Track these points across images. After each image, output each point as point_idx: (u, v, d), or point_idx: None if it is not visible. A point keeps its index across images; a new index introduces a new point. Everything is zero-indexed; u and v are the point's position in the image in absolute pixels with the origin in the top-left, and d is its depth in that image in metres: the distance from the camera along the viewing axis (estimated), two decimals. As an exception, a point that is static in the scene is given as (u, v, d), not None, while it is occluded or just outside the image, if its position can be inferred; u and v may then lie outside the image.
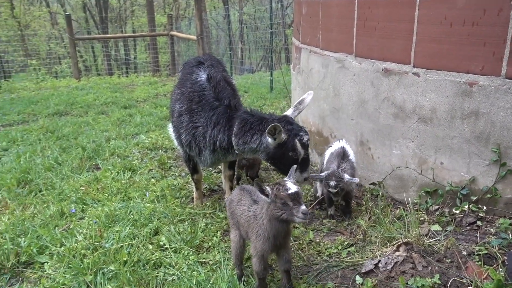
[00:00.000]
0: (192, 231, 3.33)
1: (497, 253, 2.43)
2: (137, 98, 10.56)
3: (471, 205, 3.20)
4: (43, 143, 7.06)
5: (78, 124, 8.05)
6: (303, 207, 2.12)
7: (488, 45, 2.96)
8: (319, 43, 4.67)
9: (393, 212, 3.42)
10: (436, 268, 2.43)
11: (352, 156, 3.50)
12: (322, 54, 4.60)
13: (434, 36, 3.25)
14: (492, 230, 2.88)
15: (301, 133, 2.98)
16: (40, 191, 4.72)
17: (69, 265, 2.93)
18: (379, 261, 2.57)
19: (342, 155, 3.41)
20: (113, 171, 5.10)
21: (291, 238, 3.01)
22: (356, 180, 3.25)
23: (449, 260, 2.49)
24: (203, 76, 3.50)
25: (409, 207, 3.05)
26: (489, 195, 3.13)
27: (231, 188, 3.71)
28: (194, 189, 3.95)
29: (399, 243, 2.65)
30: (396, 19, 3.53)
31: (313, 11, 4.82)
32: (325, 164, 3.55)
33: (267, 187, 2.24)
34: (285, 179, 2.36)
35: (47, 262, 3.06)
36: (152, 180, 4.71)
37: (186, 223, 3.58)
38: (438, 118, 3.33)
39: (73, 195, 4.46)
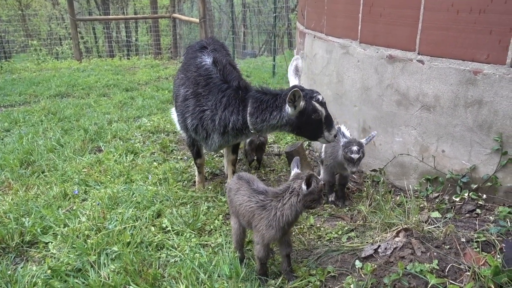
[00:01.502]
0: (194, 214, 3.37)
1: (495, 240, 2.47)
2: (138, 80, 10.53)
3: (471, 193, 3.23)
4: (45, 124, 7.06)
5: (79, 106, 8.05)
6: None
7: (494, 33, 2.94)
8: (324, 29, 4.65)
9: (393, 199, 3.45)
10: (435, 254, 2.46)
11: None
12: (326, 39, 4.58)
13: (440, 24, 3.23)
14: (491, 218, 2.91)
15: (315, 94, 3.01)
16: (43, 172, 4.75)
17: (73, 246, 2.97)
18: (379, 246, 2.60)
19: (344, 134, 3.42)
20: (115, 153, 5.12)
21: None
22: (375, 133, 3.30)
23: (448, 247, 2.53)
24: (207, 60, 3.49)
25: (410, 194, 3.07)
26: (489, 184, 3.15)
27: (234, 172, 3.74)
28: (196, 173, 3.97)
29: (399, 229, 2.69)
30: (402, 5, 3.51)
31: (318, -5, 4.78)
32: (323, 151, 3.54)
33: (310, 180, 2.28)
34: (298, 171, 2.42)
35: (51, 242, 3.10)
36: (154, 163, 4.73)
37: (188, 206, 3.61)
38: (441, 106, 3.34)
39: (76, 176, 4.49)
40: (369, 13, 3.86)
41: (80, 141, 5.86)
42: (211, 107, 3.26)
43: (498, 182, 3.12)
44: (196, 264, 2.65)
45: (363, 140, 3.23)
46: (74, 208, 3.71)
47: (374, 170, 4.01)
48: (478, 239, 2.52)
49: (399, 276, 2.22)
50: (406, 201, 3.00)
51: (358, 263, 2.52)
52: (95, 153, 5.36)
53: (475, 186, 3.24)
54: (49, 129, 6.71)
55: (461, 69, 3.15)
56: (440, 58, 3.28)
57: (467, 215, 3.09)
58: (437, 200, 3.36)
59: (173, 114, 3.96)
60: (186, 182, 4.20)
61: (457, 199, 3.21)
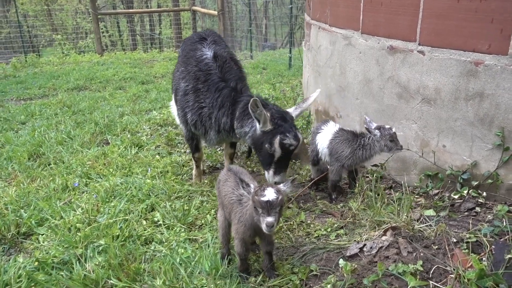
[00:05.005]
0: (186, 208, 3.34)
1: (487, 242, 2.33)
2: (155, 73, 10.61)
3: (471, 190, 3.08)
4: (59, 117, 7.20)
5: (95, 99, 8.16)
6: (269, 219, 2.03)
7: (496, 22, 2.78)
8: (328, 19, 4.52)
9: (391, 195, 3.33)
10: (422, 254, 2.35)
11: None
12: (330, 30, 4.45)
13: (440, 12, 3.08)
14: (490, 217, 2.77)
15: (287, 134, 2.92)
16: (49, 164, 4.83)
17: (62, 238, 2.99)
18: (364, 245, 2.50)
19: (353, 133, 3.30)
20: (120, 146, 5.16)
21: (281, 219, 2.98)
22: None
23: (436, 247, 2.41)
24: (208, 53, 3.44)
25: (405, 190, 2.95)
26: (490, 181, 3.00)
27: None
28: (194, 167, 3.95)
29: (387, 227, 2.58)
30: (403, -7, 3.36)
31: (323, -15, 4.65)
32: (323, 154, 3.40)
33: (251, 186, 2.20)
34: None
35: (42, 234, 3.13)
36: (157, 156, 4.74)
37: (183, 200, 3.60)
38: (442, 99, 3.19)
39: (79, 169, 4.54)
40: (370, 2, 3.72)
41: (89, 134, 5.94)
42: (208, 104, 3.26)
43: (500, 179, 2.96)
44: (178, 260, 2.62)
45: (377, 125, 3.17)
46: (72, 200, 3.75)
47: (375, 165, 3.88)
48: (469, 240, 2.39)
49: (378, 277, 2.13)
50: (401, 198, 2.88)
51: (342, 262, 2.42)
52: (102, 146, 5.41)
53: (476, 183, 3.08)
54: (62, 122, 6.83)
55: (462, 60, 3.00)
56: (441, 49, 3.13)
57: (466, 213, 2.95)
58: (436, 197, 3.23)
59: (172, 107, 3.94)
60: (185, 175, 4.19)
61: (456, 197, 3.07)
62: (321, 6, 4.72)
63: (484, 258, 2.21)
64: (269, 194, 2.07)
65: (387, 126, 3.09)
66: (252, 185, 2.24)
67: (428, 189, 3.33)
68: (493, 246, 2.23)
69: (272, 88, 7.40)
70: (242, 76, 3.43)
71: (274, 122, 2.94)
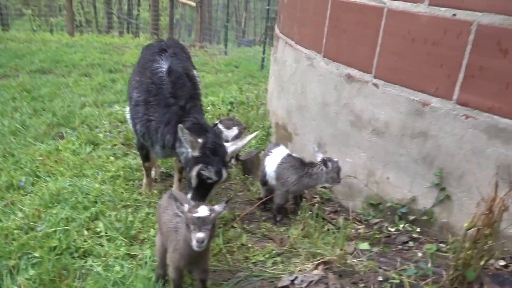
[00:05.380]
0: (131, 220, 3.32)
1: (409, 284, 2.43)
2: (125, 62, 10.38)
3: (407, 224, 3.20)
4: (17, 102, 6.98)
5: (57, 85, 7.94)
6: (199, 234, 2.04)
7: (445, 67, 2.87)
8: (294, 36, 4.55)
9: (334, 220, 3.41)
10: (349, 292, 2.43)
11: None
12: (295, 48, 4.48)
13: (396, 49, 3.15)
14: (420, 254, 2.88)
15: (209, 167, 2.93)
16: (-3, 158, 4.69)
17: (-4, 246, 2.92)
18: (296, 277, 2.56)
19: (301, 161, 3.35)
20: (75, 142, 5.05)
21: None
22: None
23: (363, 285, 2.49)
24: (164, 66, 3.41)
25: (340, 223, 3.03)
26: (425, 217, 3.11)
27: (180, 180, 3.68)
28: (144, 175, 3.92)
29: (319, 261, 2.65)
30: (364, 24, 3.41)
31: (293, 1, 4.66)
32: (271, 177, 3.43)
33: (184, 205, 2.20)
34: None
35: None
36: (111, 157, 4.66)
37: (130, 209, 3.56)
38: (390, 133, 3.27)
39: (29, 165, 4.42)
40: (334, 27, 3.77)
41: (45, 124, 5.78)
42: (157, 118, 3.25)
43: (434, 217, 3.09)
44: (113, 280, 2.61)
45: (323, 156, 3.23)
46: (14, 201, 3.66)
47: (324, 187, 3.96)
48: (393, 281, 2.48)
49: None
50: (338, 228, 2.96)
51: (272, 294, 2.48)
52: (56, 140, 5.28)
53: (413, 217, 3.20)
54: (19, 108, 6.62)
55: (411, 99, 3.08)
56: (393, 85, 3.21)
57: (400, 246, 3.06)
58: (376, 226, 3.33)
59: (127, 114, 3.88)
60: (136, 181, 4.14)
61: (393, 230, 3.18)
62: (290, 22, 4.74)
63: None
64: (202, 211, 2.11)
65: (335, 159, 3.16)
66: (186, 205, 2.23)
67: (369, 218, 3.43)
68: (413, 291, 2.33)
69: (239, 91, 7.39)
70: (194, 93, 3.41)
71: (203, 151, 2.95)
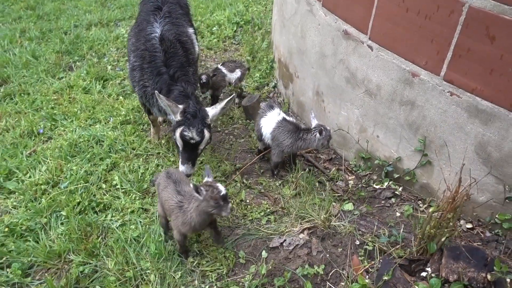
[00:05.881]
0: (142, 172, 3.71)
1: (379, 250, 2.84)
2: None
3: (391, 182, 3.53)
4: (23, 23, 7.02)
5: (61, 0, 7.82)
6: (229, 205, 2.59)
7: (435, 43, 2.91)
8: (296, -27, 4.39)
9: (328, 170, 3.76)
10: (327, 256, 2.86)
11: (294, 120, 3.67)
12: (297, -14, 4.36)
13: (390, 16, 3.14)
14: (398, 214, 3.26)
15: (190, 128, 3.11)
16: (14, 96, 4.97)
17: (28, 204, 3.38)
18: (285, 240, 3.00)
19: (295, 125, 3.56)
20: (86, 78, 5.26)
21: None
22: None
23: (341, 249, 2.92)
24: (157, 31, 3.49)
25: (332, 174, 3.35)
26: (408, 177, 3.42)
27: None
28: (151, 125, 4.20)
29: (304, 227, 3.05)
30: (362, -18, 3.34)
31: None
32: (267, 138, 3.65)
33: (201, 188, 2.55)
34: (209, 180, 2.67)
35: (9, 199, 3.50)
36: (121, 97, 4.90)
37: (141, 159, 3.94)
38: (381, 96, 3.42)
39: (45, 106, 4.73)
40: (333, -23, 3.66)
41: (55, 53, 5.93)
42: (150, 85, 3.42)
43: (415, 178, 3.39)
44: (129, 238, 3.08)
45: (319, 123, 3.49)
46: (37, 150, 4.05)
47: (316, 150, 4.21)
48: (367, 247, 2.89)
49: (285, 282, 2.66)
50: (331, 179, 3.29)
51: (264, 254, 2.94)
52: (67, 72, 5.49)
53: (397, 176, 3.51)
54: (27, 30, 6.69)
55: (402, 68, 3.17)
56: (386, 50, 3.26)
57: (383, 202, 3.43)
58: (365, 178, 3.66)
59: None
60: (146, 125, 4.45)
61: (377, 187, 3.52)
62: (291, -45, 4.52)
63: (374, 268, 2.74)
64: (222, 188, 2.59)
65: (328, 128, 3.39)
66: (203, 189, 2.59)
67: (359, 171, 3.75)
68: (381, 260, 2.74)
69: (245, 10, 7.20)
70: (185, 60, 3.49)
71: (184, 115, 3.16)
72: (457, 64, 2.84)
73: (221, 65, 4.64)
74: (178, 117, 3.18)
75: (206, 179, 2.73)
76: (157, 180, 3.00)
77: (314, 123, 3.47)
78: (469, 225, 3.07)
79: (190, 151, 3.23)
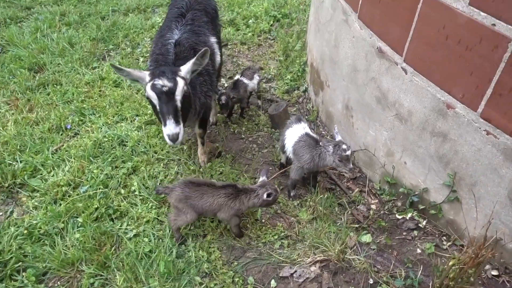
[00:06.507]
0: (160, 180, 3.70)
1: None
2: None
3: (415, 213, 3.35)
4: (65, 5, 7.10)
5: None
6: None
7: (474, 76, 2.67)
8: (334, -23, 4.15)
9: (350, 191, 3.61)
10: (338, 293, 2.77)
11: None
12: (334, -9, 4.13)
13: (428, 41, 2.91)
14: (418, 251, 3.09)
15: (157, 78, 2.88)
16: (47, 85, 5.06)
17: (48, 206, 3.44)
18: (295, 271, 2.91)
19: (316, 140, 3.39)
20: (117, 70, 5.26)
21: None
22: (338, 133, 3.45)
23: (352, 287, 2.81)
24: (175, 37, 3.41)
25: (354, 196, 3.21)
26: (433, 211, 3.23)
27: (203, 144, 3.89)
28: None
29: (316, 259, 2.94)
30: (399, 1, 3.10)
31: None
32: (289, 151, 3.54)
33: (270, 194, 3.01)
34: (265, 180, 3.16)
35: (32, 198, 3.58)
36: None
37: (162, 164, 3.92)
38: (412, 123, 3.21)
39: (75, 98, 4.79)
40: (372, -11, 3.42)
41: (90, 40, 5.97)
42: None
43: (442, 213, 3.20)
44: (140, 253, 3.09)
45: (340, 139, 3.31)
46: (63, 147, 4.11)
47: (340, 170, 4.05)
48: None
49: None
50: (352, 201, 3.15)
51: (273, 283, 2.87)
52: (100, 62, 5.52)
53: (423, 207, 3.32)
54: (66, 14, 6.76)
55: (437, 97, 2.95)
56: (421, 76, 3.04)
57: (404, 233, 3.27)
58: (388, 204, 3.50)
59: None
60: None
61: (400, 217, 3.35)
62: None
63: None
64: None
65: (344, 146, 3.16)
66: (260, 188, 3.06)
67: (383, 195, 3.59)
68: (394, 307, 2.62)
69: (283, 1, 6.95)
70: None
71: (151, 73, 2.97)
72: (497, 102, 2.60)
73: (241, 76, 4.50)
74: (148, 78, 2.96)
75: (261, 178, 3.11)
76: (178, 195, 2.99)
77: (337, 138, 3.31)
78: (494, 272, 2.88)
79: (167, 104, 2.88)
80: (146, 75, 3.01)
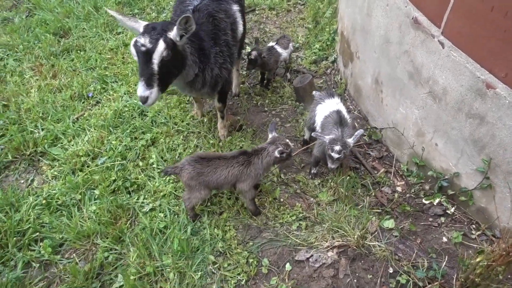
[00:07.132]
0: (180, 152, 3.62)
1: (417, 284, 2.56)
2: None
3: (444, 198, 3.14)
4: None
5: None
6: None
7: (521, 54, 2.39)
8: None
9: (375, 172, 3.43)
10: (355, 281, 2.63)
11: (349, 120, 3.25)
12: (369, -47, 3.79)
13: (470, 12, 2.61)
14: (444, 239, 2.91)
15: (141, 35, 2.74)
16: (71, 51, 5.01)
17: (66, 177, 3.43)
18: (312, 255, 2.79)
19: (340, 122, 3.17)
20: (141, 37, 5.13)
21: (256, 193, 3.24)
22: (361, 131, 3.06)
23: (371, 276, 2.67)
24: (194, 3, 3.24)
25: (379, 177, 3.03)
26: (463, 198, 3.02)
27: (222, 118, 3.75)
28: (193, 101, 4.04)
29: (334, 244, 2.80)
30: (442, -37, 2.78)
31: None
32: (318, 126, 3.34)
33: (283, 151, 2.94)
34: (275, 135, 3.09)
35: (52, 167, 3.58)
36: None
37: (181, 137, 3.83)
38: (446, 102, 2.96)
39: (98, 65, 4.72)
40: (410, -49, 3.09)
41: (116, 4, 5.85)
42: None
43: (472, 200, 2.98)
44: (154, 230, 3.04)
45: (350, 140, 3.02)
46: (84, 116, 4.07)
47: (375, 128, 3.83)
48: (400, 278, 2.61)
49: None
50: (376, 183, 2.98)
51: (288, 266, 2.77)
52: (124, 28, 5.41)
53: (452, 192, 3.11)
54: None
55: (476, 75, 2.67)
56: (460, 51, 2.75)
57: (430, 219, 3.08)
58: (416, 187, 3.30)
59: None
60: (191, 98, 4.29)
61: (427, 202, 3.15)
62: None
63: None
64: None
65: (336, 148, 2.96)
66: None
67: (410, 177, 3.38)
68: (413, 300, 2.47)
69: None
70: (209, 38, 3.18)
71: (145, 26, 2.85)
72: (545, 84, 2.32)
73: (275, 43, 4.28)
74: (140, 31, 2.83)
75: (270, 135, 3.06)
76: (189, 173, 2.89)
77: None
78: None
79: (144, 64, 2.77)
80: (140, 26, 2.84)
